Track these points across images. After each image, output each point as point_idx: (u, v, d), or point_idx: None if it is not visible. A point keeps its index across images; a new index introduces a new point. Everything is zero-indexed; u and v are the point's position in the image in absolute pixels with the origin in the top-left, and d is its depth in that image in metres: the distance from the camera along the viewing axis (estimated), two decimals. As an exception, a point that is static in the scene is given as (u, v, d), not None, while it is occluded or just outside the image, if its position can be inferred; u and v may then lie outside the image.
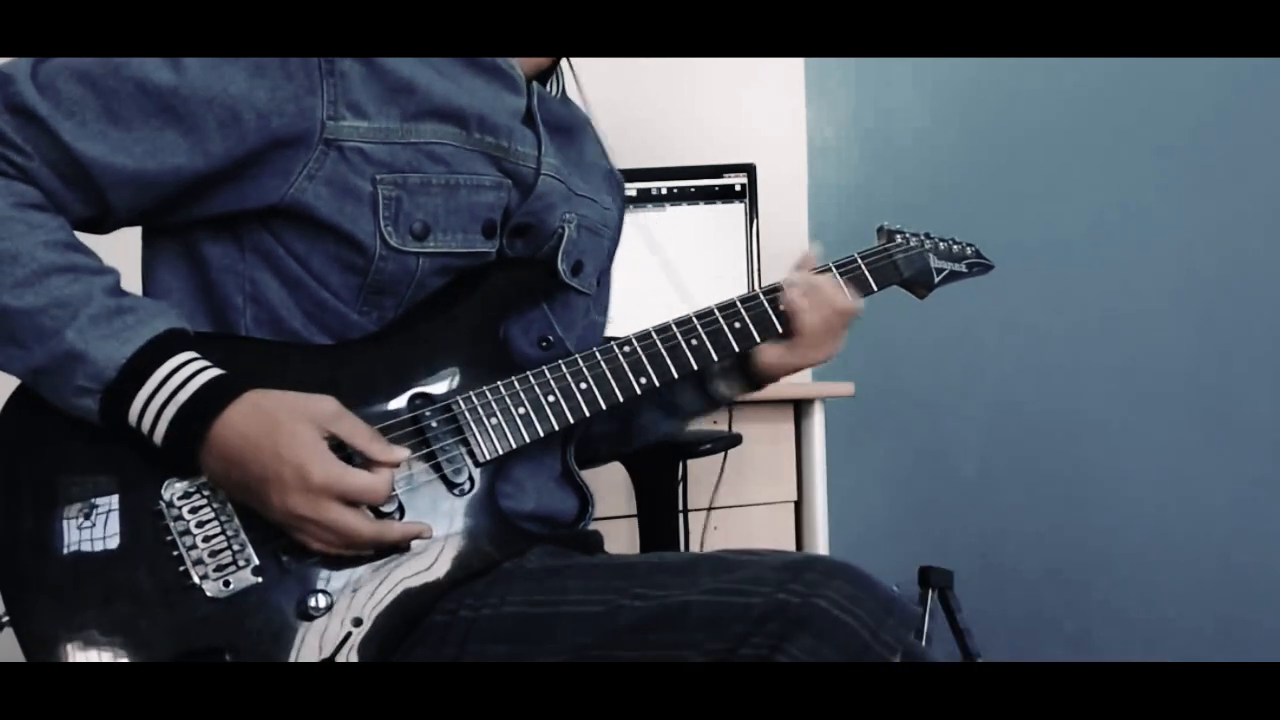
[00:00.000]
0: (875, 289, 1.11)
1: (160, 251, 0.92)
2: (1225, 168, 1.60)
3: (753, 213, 1.87)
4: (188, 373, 0.79)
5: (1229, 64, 1.56)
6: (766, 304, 1.04)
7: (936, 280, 1.17)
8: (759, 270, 1.85)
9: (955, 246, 1.21)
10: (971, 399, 2.04)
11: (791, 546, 1.82)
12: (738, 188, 1.88)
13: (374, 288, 0.90)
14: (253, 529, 0.82)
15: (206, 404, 0.79)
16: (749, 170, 1.88)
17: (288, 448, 0.78)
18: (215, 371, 0.80)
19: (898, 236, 1.16)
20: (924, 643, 1.83)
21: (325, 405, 0.81)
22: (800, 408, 1.78)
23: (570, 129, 1.06)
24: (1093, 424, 1.81)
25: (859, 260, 1.11)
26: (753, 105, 2.37)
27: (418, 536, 0.85)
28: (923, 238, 1.18)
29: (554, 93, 1.05)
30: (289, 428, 0.79)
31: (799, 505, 1.81)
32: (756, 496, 1.75)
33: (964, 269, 1.21)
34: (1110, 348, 1.78)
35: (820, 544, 1.77)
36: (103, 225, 0.86)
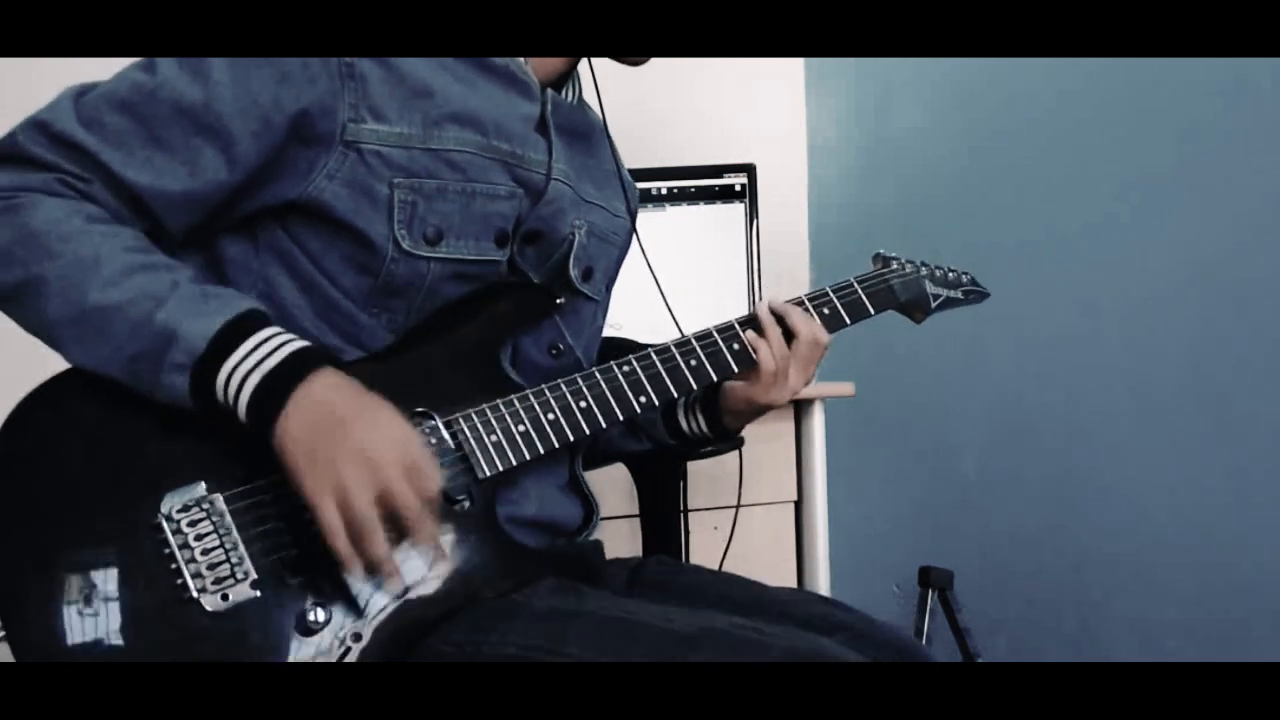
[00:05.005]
0: (872, 312, 1.13)
1: (179, 253, 0.92)
2: (1225, 168, 1.60)
3: (753, 213, 1.87)
4: (274, 344, 0.81)
5: (1228, 64, 1.56)
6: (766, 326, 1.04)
7: (933, 306, 1.19)
8: (759, 270, 1.85)
9: (951, 274, 1.22)
10: (972, 399, 2.04)
11: (791, 546, 1.82)
12: (738, 188, 1.88)
13: (384, 289, 0.90)
14: (252, 542, 0.82)
15: (295, 365, 0.80)
16: (749, 170, 1.88)
17: (380, 404, 0.82)
18: (301, 342, 0.82)
19: (893, 263, 1.17)
20: (924, 643, 1.83)
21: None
22: (800, 408, 1.78)
23: (586, 135, 1.07)
24: (1093, 424, 1.81)
25: (855, 284, 1.12)
26: (753, 105, 2.37)
27: (429, 547, 0.85)
28: (918, 264, 1.19)
29: (570, 98, 1.05)
30: (382, 400, 0.82)
31: (799, 505, 1.81)
32: (756, 496, 1.75)
33: (960, 296, 1.22)
34: (1110, 348, 1.78)
35: (820, 544, 1.77)
36: (157, 242, 0.87)
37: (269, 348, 0.80)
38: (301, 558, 0.83)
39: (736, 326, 1.04)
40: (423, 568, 0.86)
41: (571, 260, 1.00)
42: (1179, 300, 1.67)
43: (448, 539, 0.88)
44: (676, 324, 1.16)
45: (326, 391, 0.80)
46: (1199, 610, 1.64)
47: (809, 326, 1.05)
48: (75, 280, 0.79)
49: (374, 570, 0.81)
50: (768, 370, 1.04)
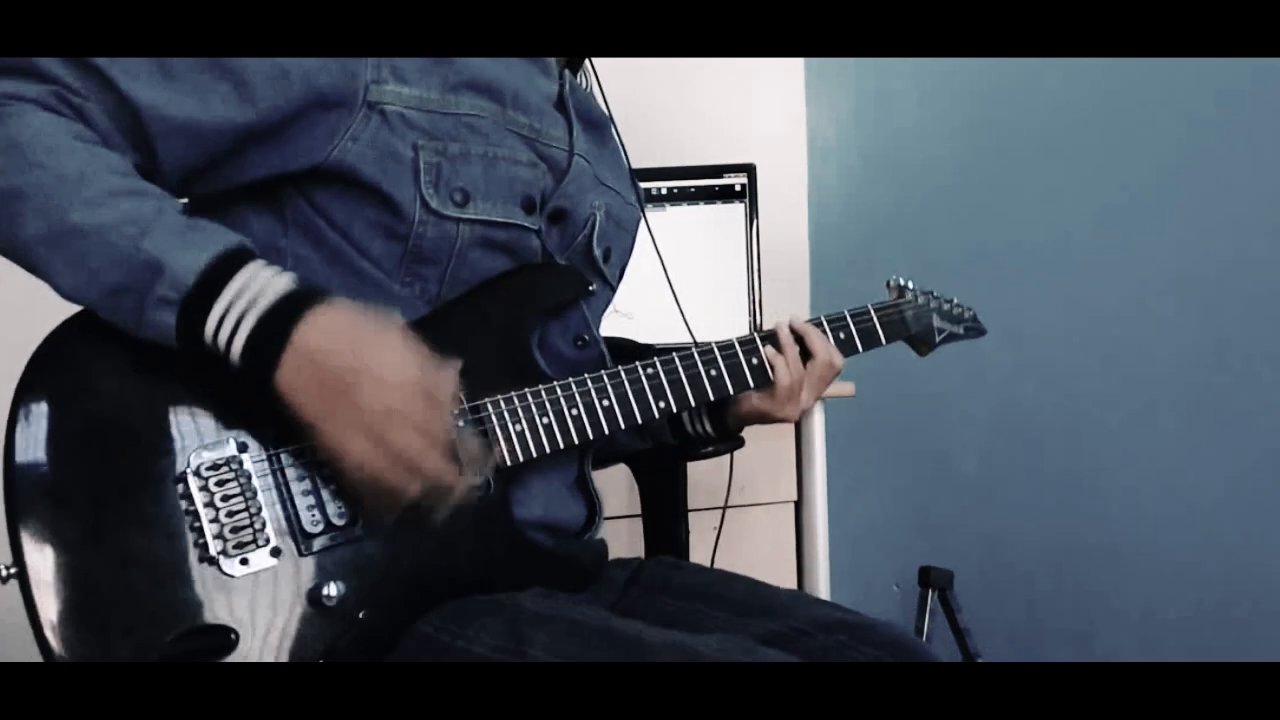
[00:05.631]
0: (884, 342, 1.14)
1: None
2: (1225, 167, 1.60)
3: (753, 213, 1.87)
4: (266, 281, 0.78)
5: (1228, 64, 1.56)
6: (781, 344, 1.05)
7: (937, 341, 1.20)
8: (759, 270, 1.85)
9: (956, 309, 1.23)
10: (971, 399, 2.04)
11: (791, 546, 1.82)
12: (738, 188, 1.88)
13: (415, 256, 0.89)
14: (275, 508, 0.82)
15: (290, 306, 0.78)
16: (749, 170, 1.88)
17: (384, 343, 0.79)
18: (293, 279, 0.79)
19: (907, 292, 1.17)
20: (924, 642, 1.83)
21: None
22: (800, 408, 1.78)
23: (599, 124, 1.07)
24: (1093, 423, 1.81)
25: (872, 312, 1.13)
26: (753, 105, 2.37)
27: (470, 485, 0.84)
28: (929, 296, 1.20)
29: (584, 86, 1.06)
30: (383, 328, 0.79)
31: (799, 505, 1.81)
32: (756, 496, 1.75)
33: (961, 331, 1.24)
34: (1110, 348, 1.78)
35: (820, 544, 1.77)
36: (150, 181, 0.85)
37: (260, 284, 0.78)
38: (321, 530, 0.83)
39: (757, 340, 1.04)
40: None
41: (595, 239, 1.00)
42: (1179, 300, 1.67)
43: (461, 525, 0.87)
44: (688, 326, 1.17)
45: (326, 333, 0.77)
46: (1199, 610, 1.64)
47: (826, 350, 1.06)
48: (55, 196, 0.75)
49: (441, 484, 0.81)
50: (783, 387, 1.04)
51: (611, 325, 1.12)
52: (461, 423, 0.88)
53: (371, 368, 0.77)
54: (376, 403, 0.77)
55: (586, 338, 1.00)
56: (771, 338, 1.05)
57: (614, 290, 1.09)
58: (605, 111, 1.11)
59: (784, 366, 1.04)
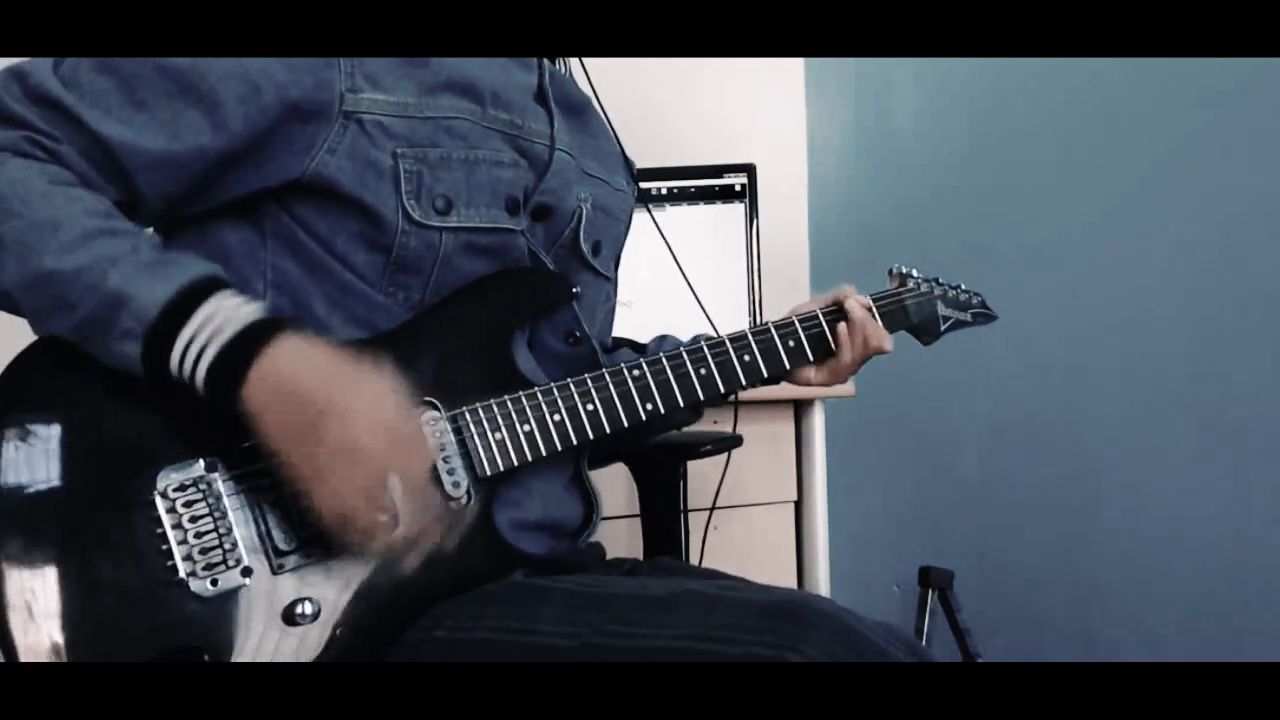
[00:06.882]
0: None
1: (175, 243, 0.90)
2: (1226, 167, 1.60)
3: (753, 213, 1.87)
4: (232, 310, 0.77)
5: (1229, 64, 1.56)
6: (777, 339, 1.03)
7: (942, 329, 1.17)
8: (759, 270, 1.85)
9: (963, 295, 1.20)
10: (971, 399, 2.04)
11: (791, 547, 1.82)
12: (738, 188, 1.88)
13: (398, 266, 0.88)
14: (245, 527, 0.81)
15: (255, 335, 0.77)
16: (749, 170, 1.88)
17: (359, 379, 0.78)
18: (261, 306, 0.79)
19: (909, 281, 1.15)
20: (924, 643, 1.83)
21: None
22: (800, 408, 1.78)
23: (580, 110, 1.06)
24: (1093, 424, 1.81)
25: (870, 302, 1.10)
26: (753, 105, 2.37)
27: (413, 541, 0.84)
28: (933, 283, 1.17)
29: (563, 71, 1.05)
30: (362, 367, 0.78)
31: (799, 505, 1.81)
32: (756, 496, 1.75)
33: (969, 318, 1.20)
34: (1110, 348, 1.78)
35: (820, 544, 1.77)
36: (132, 215, 0.84)
37: (226, 313, 0.77)
38: (295, 548, 0.82)
39: (749, 336, 1.02)
40: (413, 551, 0.85)
41: (582, 234, 0.99)
42: (1179, 300, 1.67)
43: (441, 536, 0.87)
44: (708, 317, 1.16)
45: (292, 362, 0.77)
46: (1199, 610, 1.64)
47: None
48: (31, 244, 0.76)
49: (369, 544, 0.81)
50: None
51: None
52: (436, 432, 0.87)
53: (339, 402, 0.76)
54: (342, 439, 0.76)
55: (578, 334, 0.99)
56: (764, 333, 1.04)
57: (609, 280, 1.07)
58: (585, 93, 1.08)
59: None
